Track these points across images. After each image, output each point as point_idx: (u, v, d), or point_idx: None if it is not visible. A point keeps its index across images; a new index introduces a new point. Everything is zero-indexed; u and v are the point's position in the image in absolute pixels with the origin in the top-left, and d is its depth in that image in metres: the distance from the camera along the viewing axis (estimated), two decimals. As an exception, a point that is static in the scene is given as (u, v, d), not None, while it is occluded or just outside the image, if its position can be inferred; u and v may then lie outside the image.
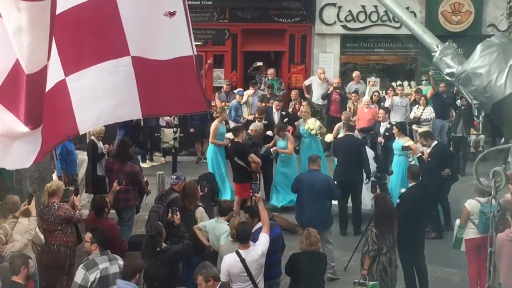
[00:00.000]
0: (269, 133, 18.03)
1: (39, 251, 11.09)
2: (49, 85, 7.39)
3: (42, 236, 11.00)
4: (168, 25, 8.70)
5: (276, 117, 20.07)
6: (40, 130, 6.93)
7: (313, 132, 17.69)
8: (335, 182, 14.58)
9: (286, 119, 19.89)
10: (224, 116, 18.64)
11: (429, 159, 15.64)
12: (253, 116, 20.00)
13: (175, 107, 9.71)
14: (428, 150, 15.85)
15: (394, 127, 17.38)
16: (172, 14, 8.63)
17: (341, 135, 17.56)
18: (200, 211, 11.99)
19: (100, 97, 8.64)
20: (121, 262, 9.74)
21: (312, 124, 17.75)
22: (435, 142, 16.08)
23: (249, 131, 17.02)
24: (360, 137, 17.77)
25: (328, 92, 22.83)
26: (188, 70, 9.01)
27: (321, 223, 13.13)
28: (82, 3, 8.19)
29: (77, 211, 11.76)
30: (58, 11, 6.85)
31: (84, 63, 8.42)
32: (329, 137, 18.42)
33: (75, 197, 12.05)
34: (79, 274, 9.41)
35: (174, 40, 8.85)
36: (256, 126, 17.37)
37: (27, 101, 6.56)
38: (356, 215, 15.86)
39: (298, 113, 19.81)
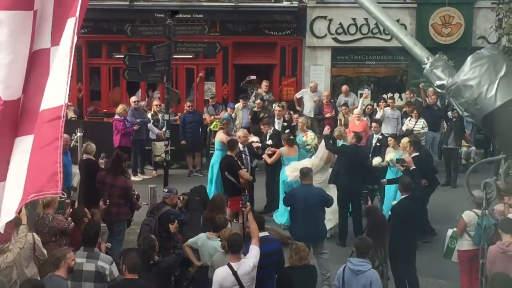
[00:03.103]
0: (269, 142, 18.06)
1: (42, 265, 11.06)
2: None
3: (45, 251, 10.96)
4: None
5: (277, 126, 20.19)
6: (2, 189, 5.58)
7: (308, 147, 17.84)
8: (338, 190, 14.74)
9: (288, 130, 19.85)
10: (229, 128, 18.74)
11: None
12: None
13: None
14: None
15: (389, 138, 17.42)
16: None
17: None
18: None
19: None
20: (101, 263, 9.91)
21: (311, 139, 17.86)
22: (416, 154, 15.98)
23: (237, 138, 16.99)
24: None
25: (325, 116, 22.90)
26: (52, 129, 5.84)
27: (316, 236, 13.24)
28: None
29: (72, 224, 11.74)
30: None
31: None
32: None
33: (70, 209, 12.06)
34: None
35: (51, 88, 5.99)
36: (239, 133, 17.48)
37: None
38: (357, 223, 15.78)
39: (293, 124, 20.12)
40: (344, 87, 24.02)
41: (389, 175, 16.45)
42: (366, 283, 9.98)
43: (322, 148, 16.62)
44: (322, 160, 16.40)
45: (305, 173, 13.93)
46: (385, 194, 16.40)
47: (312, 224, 13.29)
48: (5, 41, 5.53)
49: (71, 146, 18.71)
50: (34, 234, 10.85)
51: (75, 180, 17.83)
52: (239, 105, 22.23)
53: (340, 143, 17.39)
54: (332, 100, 23.39)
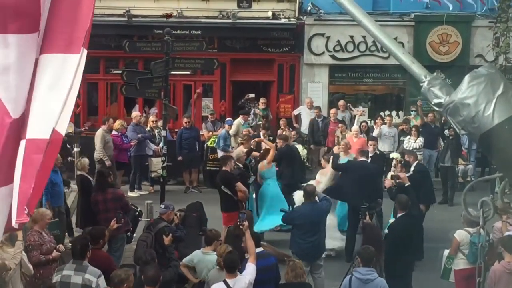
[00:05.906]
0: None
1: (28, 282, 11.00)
2: None
3: (31, 267, 10.91)
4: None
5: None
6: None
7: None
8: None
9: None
10: (250, 143, 18.74)
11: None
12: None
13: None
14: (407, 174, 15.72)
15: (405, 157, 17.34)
16: None
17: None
18: None
19: None
20: (88, 276, 9.90)
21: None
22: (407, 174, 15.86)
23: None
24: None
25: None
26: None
27: (317, 253, 13.34)
28: None
29: (39, 255, 11.38)
30: None
31: None
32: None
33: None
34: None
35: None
36: (237, 154, 17.43)
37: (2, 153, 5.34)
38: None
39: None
40: (341, 102, 24.07)
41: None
42: None
43: (331, 170, 16.55)
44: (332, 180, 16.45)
45: (311, 192, 13.73)
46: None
47: (315, 241, 13.27)
48: (14, 63, 5.59)
49: (69, 161, 18.75)
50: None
51: (70, 198, 17.82)
52: (239, 120, 22.19)
53: (345, 158, 17.33)
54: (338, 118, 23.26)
